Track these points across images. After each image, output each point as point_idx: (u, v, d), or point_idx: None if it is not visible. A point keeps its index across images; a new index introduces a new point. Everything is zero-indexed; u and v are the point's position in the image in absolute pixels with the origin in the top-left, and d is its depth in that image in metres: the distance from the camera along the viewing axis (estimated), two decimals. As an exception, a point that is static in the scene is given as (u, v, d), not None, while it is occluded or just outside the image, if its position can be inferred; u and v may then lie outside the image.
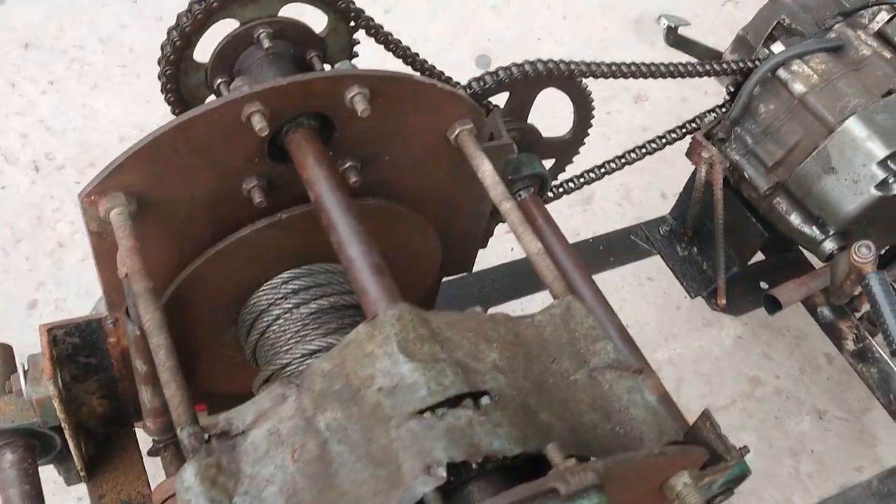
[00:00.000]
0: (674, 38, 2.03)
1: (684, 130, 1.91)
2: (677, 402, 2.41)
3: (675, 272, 2.10)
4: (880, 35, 1.80)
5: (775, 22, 1.89)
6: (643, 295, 2.60)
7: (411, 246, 1.46)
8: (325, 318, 1.34)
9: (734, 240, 2.00)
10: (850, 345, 2.00)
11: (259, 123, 1.12)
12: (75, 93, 2.83)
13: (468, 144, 1.31)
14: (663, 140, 1.90)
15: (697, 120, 1.91)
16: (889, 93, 1.70)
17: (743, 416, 2.41)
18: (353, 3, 1.33)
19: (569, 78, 1.56)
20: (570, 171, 1.89)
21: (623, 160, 1.88)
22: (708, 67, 1.79)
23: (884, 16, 1.81)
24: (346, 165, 1.29)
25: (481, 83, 1.50)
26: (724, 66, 1.82)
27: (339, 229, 1.13)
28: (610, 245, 2.12)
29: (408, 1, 3.23)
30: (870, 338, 1.94)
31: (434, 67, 1.50)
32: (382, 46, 1.41)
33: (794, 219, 1.79)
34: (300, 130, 1.20)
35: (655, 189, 2.82)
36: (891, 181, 1.63)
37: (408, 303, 1.02)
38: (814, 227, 1.76)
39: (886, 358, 1.91)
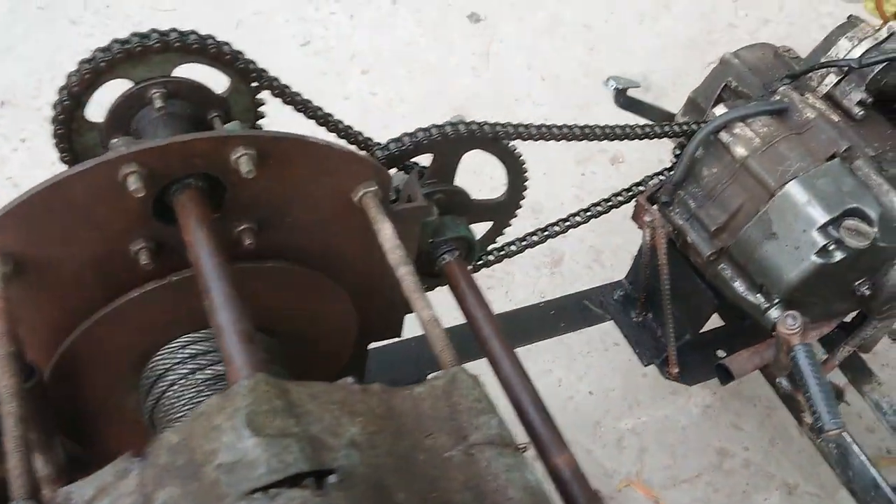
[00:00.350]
0: (623, 100, 2.01)
1: (630, 193, 1.86)
2: (639, 474, 2.35)
3: (629, 339, 2.04)
4: (829, 97, 1.75)
5: (723, 84, 1.85)
6: (609, 361, 2.53)
7: (320, 309, 1.42)
8: (220, 384, 1.30)
9: (686, 306, 1.93)
10: (808, 417, 1.91)
11: (134, 184, 1.09)
12: (46, 151, 2.82)
13: (370, 207, 1.28)
14: (609, 203, 1.85)
15: (644, 183, 1.87)
16: (833, 156, 1.65)
17: (709, 491, 2.31)
18: (254, 64, 1.31)
19: (493, 140, 1.52)
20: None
21: (567, 223, 1.83)
22: (648, 130, 1.75)
23: (832, 78, 1.76)
24: (242, 227, 1.25)
25: (399, 144, 1.47)
26: (668, 128, 1.78)
27: (212, 294, 1.09)
28: (562, 310, 2.05)
29: (386, 62, 3.24)
30: (827, 411, 1.85)
31: (350, 127, 1.47)
32: (291, 107, 1.38)
33: (739, 286, 1.72)
34: (186, 192, 1.17)
35: (626, 252, 2.74)
36: (831, 248, 1.56)
37: (266, 373, 0.97)
38: (758, 295, 1.69)
39: (844, 433, 1.82)
